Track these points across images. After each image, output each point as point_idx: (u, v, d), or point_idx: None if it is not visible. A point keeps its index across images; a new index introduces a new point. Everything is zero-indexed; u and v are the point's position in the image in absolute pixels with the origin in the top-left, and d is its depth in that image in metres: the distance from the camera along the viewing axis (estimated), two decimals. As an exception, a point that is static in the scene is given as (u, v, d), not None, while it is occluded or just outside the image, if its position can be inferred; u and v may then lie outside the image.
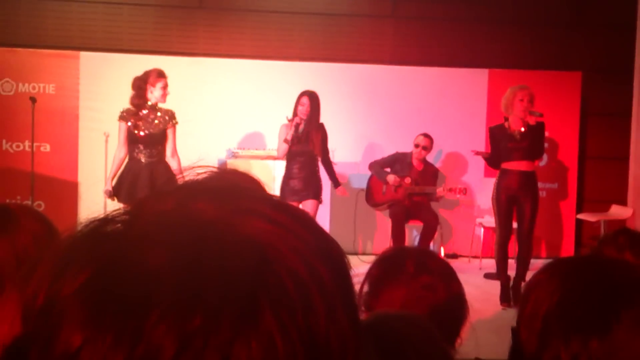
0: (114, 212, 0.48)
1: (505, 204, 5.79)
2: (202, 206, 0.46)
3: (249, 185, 0.55)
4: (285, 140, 6.03)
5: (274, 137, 6.37)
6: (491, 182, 6.15)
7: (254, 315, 0.42)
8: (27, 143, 7.35)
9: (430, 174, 7.06)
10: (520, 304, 1.04)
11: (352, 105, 7.85)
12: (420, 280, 1.39)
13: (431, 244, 6.94)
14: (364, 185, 7.17)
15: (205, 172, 0.53)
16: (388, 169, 7.03)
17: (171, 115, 5.59)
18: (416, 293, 1.38)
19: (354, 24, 8.06)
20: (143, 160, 5.49)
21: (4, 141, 7.54)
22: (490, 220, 6.96)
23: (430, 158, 7.23)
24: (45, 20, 7.71)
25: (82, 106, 7.55)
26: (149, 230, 0.45)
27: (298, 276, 0.44)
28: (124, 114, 5.55)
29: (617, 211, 7.56)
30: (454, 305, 1.41)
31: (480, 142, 7.51)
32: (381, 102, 7.90)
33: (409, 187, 6.90)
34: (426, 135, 7.04)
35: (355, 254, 7.28)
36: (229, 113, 7.70)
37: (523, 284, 5.11)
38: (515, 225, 5.90)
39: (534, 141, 5.79)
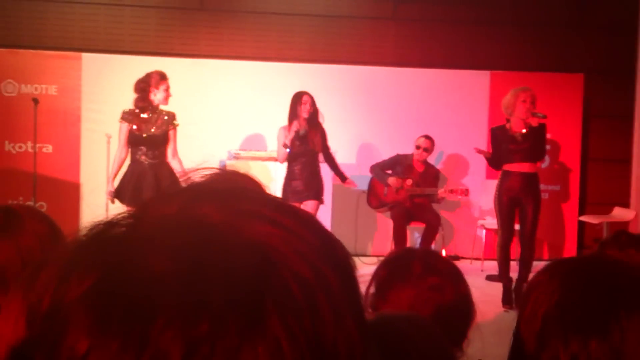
0: (118, 216, 0.48)
1: (507, 205, 5.78)
2: (206, 210, 0.46)
3: (252, 187, 0.54)
4: (284, 145, 6.03)
5: (275, 139, 6.38)
6: (493, 184, 6.15)
7: (261, 320, 0.41)
8: (29, 144, 7.36)
9: (431, 175, 7.06)
10: (520, 304, 1.04)
11: (353, 107, 7.85)
12: (427, 281, 1.39)
13: (432, 246, 6.94)
14: (365, 186, 7.17)
15: (208, 174, 0.53)
16: (389, 171, 7.03)
17: (172, 117, 5.61)
18: (424, 294, 1.37)
19: (355, 25, 8.06)
20: (146, 162, 5.49)
21: (6, 142, 7.55)
22: (492, 222, 6.95)
23: (431, 160, 7.23)
24: (47, 22, 7.72)
25: (84, 107, 7.56)
26: (153, 234, 0.45)
27: (304, 280, 0.44)
28: (126, 115, 5.56)
29: (619, 213, 7.55)
30: (461, 307, 1.41)
31: (482, 144, 7.50)
32: (382, 103, 7.90)
33: (410, 188, 6.90)
34: (427, 137, 7.04)
35: (356, 255, 7.27)
36: (230, 114, 7.71)
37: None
38: (517, 227, 5.89)
39: (535, 143, 5.79)
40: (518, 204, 5.79)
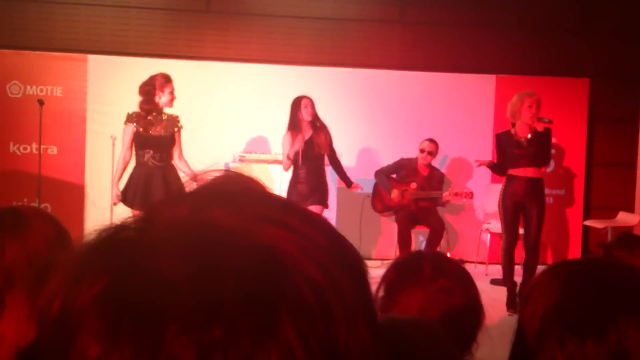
0: (128, 219, 0.48)
1: (512, 210, 5.77)
2: (217, 213, 0.46)
3: (260, 189, 0.54)
4: (288, 157, 6.04)
5: (279, 142, 6.38)
6: (498, 188, 6.14)
7: (274, 326, 0.41)
8: (34, 145, 7.37)
9: (436, 179, 7.05)
10: (520, 305, 1.04)
11: (358, 110, 7.85)
12: (437, 283, 1.38)
13: (437, 250, 6.93)
14: (370, 190, 7.17)
15: (216, 177, 0.53)
16: (394, 175, 7.02)
17: (176, 120, 5.63)
18: (433, 296, 1.37)
19: (361, 28, 8.06)
20: (152, 164, 5.50)
21: (11, 143, 7.56)
22: (497, 226, 6.94)
23: (435, 163, 7.22)
24: (53, 24, 7.74)
25: (89, 109, 7.58)
26: (163, 238, 0.44)
27: (316, 284, 0.43)
28: (132, 117, 5.57)
29: (624, 218, 7.53)
30: (470, 310, 1.40)
31: (488, 147, 7.50)
32: (388, 107, 7.89)
33: (414, 192, 6.89)
34: (431, 141, 7.03)
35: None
36: (235, 117, 7.71)
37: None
38: (522, 231, 5.88)
39: (540, 148, 5.78)
40: (522, 209, 5.78)
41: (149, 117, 5.54)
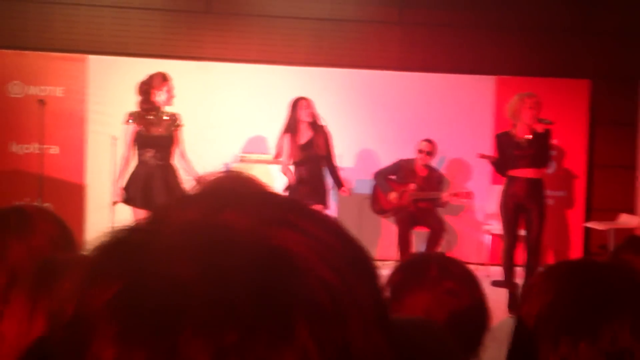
0: (139, 221, 0.47)
1: (512, 211, 5.78)
2: (229, 216, 0.45)
3: (269, 191, 0.54)
4: (284, 163, 6.06)
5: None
6: (498, 189, 6.14)
7: (289, 330, 0.41)
8: (35, 145, 7.38)
9: (435, 179, 7.04)
10: (517, 306, 1.04)
11: (358, 111, 7.84)
12: (444, 285, 1.38)
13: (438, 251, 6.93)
14: (370, 191, 7.16)
15: (222, 177, 0.52)
16: (393, 177, 7.01)
17: (176, 118, 5.65)
18: (440, 298, 1.36)
19: (361, 29, 8.06)
20: (153, 163, 5.52)
21: (12, 143, 7.56)
22: (498, 227, 6.94)
23: (434, 164, 7.22)
24: (53, 24, 7.73)
25: (90, 109, 7.58)
26: (176, 241, 0.44)
27: (330, 287, 0.43)
28: (132, 117, 5.59)
29: (626, 220, 7.53)
30: (477, 312, 1.40)
31: (488, 149, 7.49)
32: (387, 108, 7.89)
33: (413, 193, 6.88)
34: (428, 141, 7.02)
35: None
36: (234, 117, 7.71)
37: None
38: (523, 233, 5.88)
39: (540, 149, 5.79)
40: (523, 210, 5.78)
41: (148, 117, 5.56)
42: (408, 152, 7.18)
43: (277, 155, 6.23)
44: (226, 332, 0.40)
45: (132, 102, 5.70)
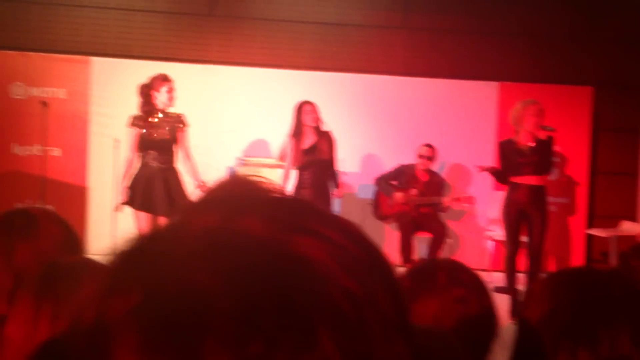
0: (157, 228, 0.47)
1: (515, 217, 5.78)
2: (249, 222, 0.44)
3: (288, 196, 0.53)
4: (287, 167, 6.07)
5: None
6: (500, 195, 6.14)
7: (312, 339, 0.40)
8: (38, 147, 7.37)
9: (436, 184, 7.03)
10: (519, 313, 1.04)
11: (361, 116, 7.84)
12: (452, 292, 1.37)
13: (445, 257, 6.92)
14: (371, 195, 7.15)
15: (240, 183, 0.51)
16: (395, 182, 7.01)
17: (180, 119, 5.64)
18: (448, 305, 1.36)
19: (365, 34, 8.06)
20: (155, 166, 5.52)
21: (15, 145, 7.56)
22: (500, 234, 6.93)
23: (436, 170, 7.21)
24: (57, 25, 7.74)
25: (92, 111, 7.58)
26: (196, 248, 0.43)
27: (353, 296, 0.42)
28: (135, 120, 5.60)
29: (628, 227, 7.52)
30: (485, 319, 1.39)
31: (490, 155, 7.49)
32: (390, 113, 7.89)
33: (415, 198, 6.87)
34: (429, 145, 7.02)
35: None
36: (238, 121, 7.71)
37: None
38: (525, 239, 5.88)
39: (543, 156, 5.79)
40: (525, 217, 5.79)
41: (150, 119, 5.56)
42: (411, 157, 7.18)
43: (281, 159, 6.23)
44: (250, 342, 0.39)
45: (135, 105, 5.70)
